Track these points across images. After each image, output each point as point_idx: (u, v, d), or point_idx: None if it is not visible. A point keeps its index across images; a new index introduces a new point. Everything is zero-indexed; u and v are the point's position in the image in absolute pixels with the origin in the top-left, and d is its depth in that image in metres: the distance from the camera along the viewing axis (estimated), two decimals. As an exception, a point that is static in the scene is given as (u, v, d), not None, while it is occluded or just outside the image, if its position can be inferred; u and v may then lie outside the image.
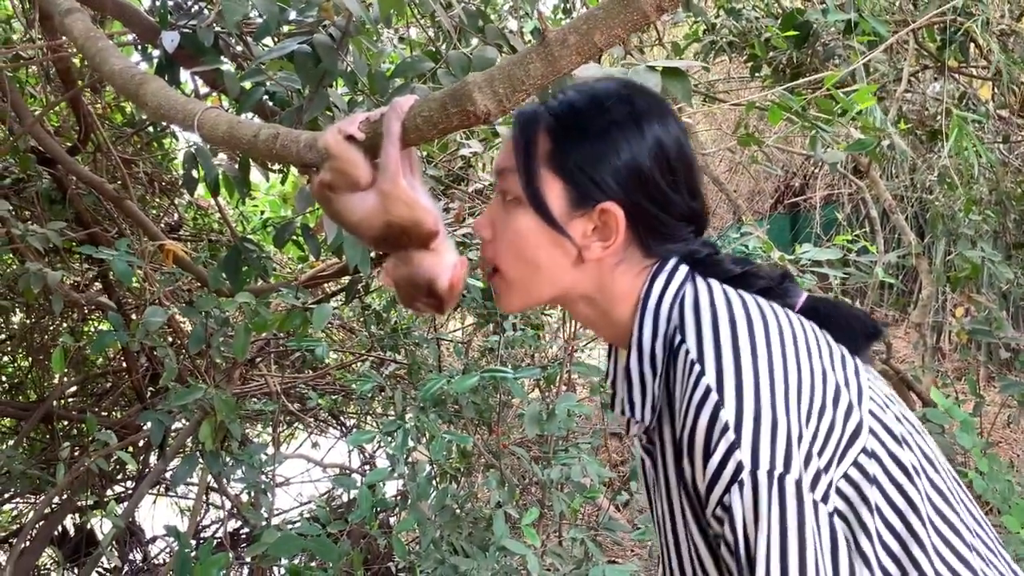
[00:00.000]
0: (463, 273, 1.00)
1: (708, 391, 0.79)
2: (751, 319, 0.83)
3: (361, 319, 4.07)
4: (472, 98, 0.95)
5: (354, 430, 5.27)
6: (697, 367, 0.81)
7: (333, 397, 4.91)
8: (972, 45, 3.93)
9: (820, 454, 0.78)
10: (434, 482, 2.99)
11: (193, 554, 1.98)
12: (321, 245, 2.36)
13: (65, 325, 4.57)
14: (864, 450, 0.81)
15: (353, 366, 4.51)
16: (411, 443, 2.36)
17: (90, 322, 4.69)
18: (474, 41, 1.96)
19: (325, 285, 3.83)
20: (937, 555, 0.82)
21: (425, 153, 2.76)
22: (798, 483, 0.75)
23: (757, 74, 4.10)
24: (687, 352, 0.83)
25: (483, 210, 1.12)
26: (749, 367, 0.80)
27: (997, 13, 3.78)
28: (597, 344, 4.68)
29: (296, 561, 2.21)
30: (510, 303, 1.00)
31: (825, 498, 0.77)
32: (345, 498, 4.20)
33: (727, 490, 0.77)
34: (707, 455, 0.78)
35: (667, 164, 0.92)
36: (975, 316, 3.74)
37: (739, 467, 0.76)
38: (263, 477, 2.54)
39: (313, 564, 2.21)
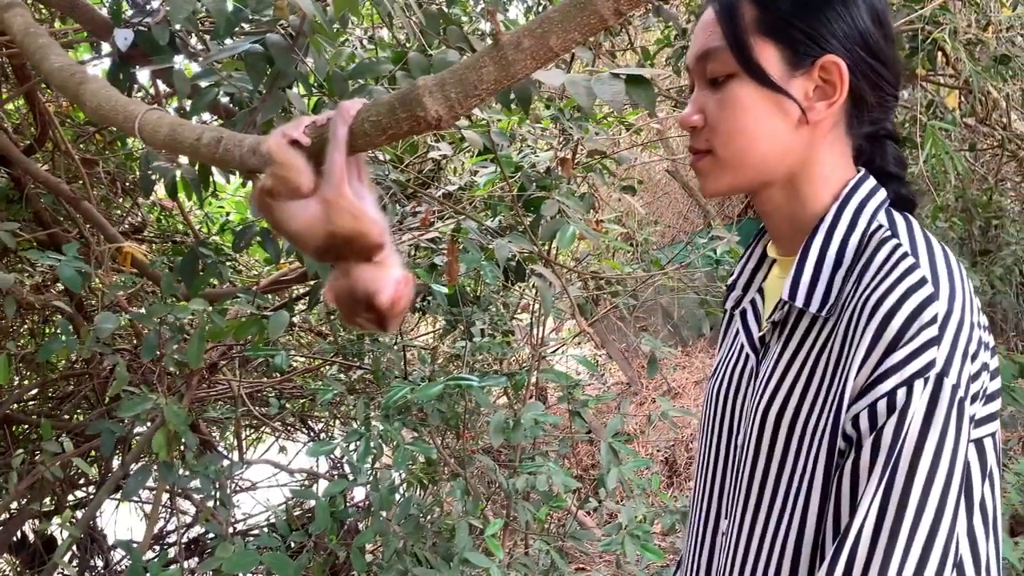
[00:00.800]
0: (407, 290, 0.95)
1: (923, 282, 0.78)
2: (949, 258, 0.84)
3: (327, 324, 4.01)
4: (422, 103, 0.91)
5: (321, 435, 5.20)
6: (910, 259, 0.81)
7: (301, 401, 4.84)
8: (940, 54, 3.95)
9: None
10: (401, 489, 2.94)
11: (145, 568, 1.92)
12: (282, 249, 2.31)
13: (25, 327, 4.46)
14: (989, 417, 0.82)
15: (320, 370, 4.44)
16: (376, 451, 2.31)
17: (52, 324, 4.57)
18: (444, 45, 1.92)
19: (292, 288, 3.76)
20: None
21: (389, 157, 2.71)
22: (967, 412, 0.75)
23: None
24: (898, 245, 0.83)
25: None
26: (958, 282, 0.81)
27: (964, 23, 3.80)
28: (562, 354, 4.65)
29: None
30: (718, 184, 0.97)
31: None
32: (312, 503, 4.13)
33: (905, 384, 0.75)
34: (897, 341, 0.76)
35: (878, 15, 0.91)
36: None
37: (930, 364, 0.75)
38: (228, 484, 2.48)
39: (271, 578, 2.15)
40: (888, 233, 0.86)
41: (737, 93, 0.91)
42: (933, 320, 0.76)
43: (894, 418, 0.74)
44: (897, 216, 0.90)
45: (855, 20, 0.89)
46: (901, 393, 0.75)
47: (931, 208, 4.23)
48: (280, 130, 0.98)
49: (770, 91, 0.89)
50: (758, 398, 0.93)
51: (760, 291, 1.06)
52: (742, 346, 1.03)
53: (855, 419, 0.78)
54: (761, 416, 0.90)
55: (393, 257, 0.97)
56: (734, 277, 1.10)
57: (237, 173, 2.37)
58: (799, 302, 0.90)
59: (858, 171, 0.95)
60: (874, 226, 0.89)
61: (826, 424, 0.82)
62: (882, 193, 0.93)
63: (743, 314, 1.06)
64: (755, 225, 8.67)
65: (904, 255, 0.81)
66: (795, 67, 0.89)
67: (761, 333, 1.00)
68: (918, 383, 0.74)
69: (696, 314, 3.07)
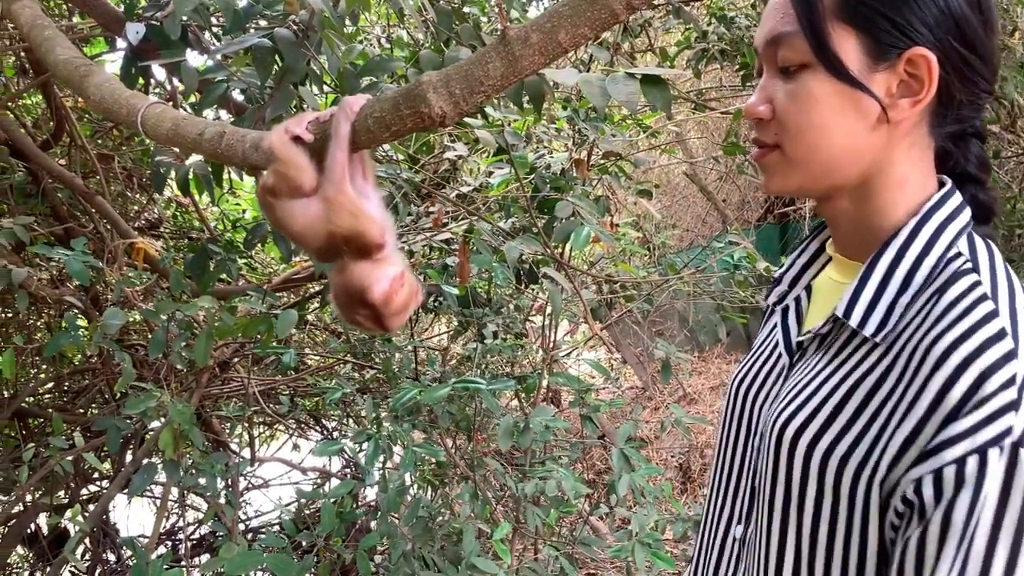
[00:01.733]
0: (403, 288, 0.92)
1: (1001, 334, 0.69)
2: None
3: (341, 322, 3.99)
4: (426, 99, 0.88)
5: (334, 433, 5.19)
6: (990, 303, 0.72)
7: (314, 399, 4.83)
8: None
9: None
10: (410, 490, 2.91)
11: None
12: (293, 247, 2.29)
13: (41, 321, 4.48)
14: None
15: (333, 368, 4.43)
16: (385, 452, 2.29)
17: (67, 317, 4.58)
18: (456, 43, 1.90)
19: (306, 286, 3.75)
20: None
21: (402, 156, 2.69)
22: None
23: (749, 83, 4.05)
24: (977, 283, 0.74)
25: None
26: None
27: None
28: (575, 357, 4.61)
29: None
30: (784, 183, 0.88)
31: None
32: (321, 502, 4.12)
33: (978, 452, 0.66)
34: (968, 401, 0.67)
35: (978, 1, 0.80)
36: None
37: (1007, 432, 0.66)
38: (238, 482, 2.47)
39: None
40: (968, 265, 0.77)
41: (810, 85, 0.82)
42: (1011, 381, 0.67)
43: (966, 493, 0.66)
44: (979, 245, 0.81)
45: (950, 5, 0.78)
46: (973, 463, 0.66)
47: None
48: (283, 126, 0.96)
49: (848, 86, 0.80)
50: (782, 406, 0.86)
51: (808, 288, 0.99)
52: (776, 343, 0.97)
53: (917, 484, 0.69)
54: (782, 426, 0.84)
55: (394, 256, 0.95)
56: (782, 270, 1.03)
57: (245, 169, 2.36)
58: (854, 321, 0.81)
59: (941, 182, 0.86)
60: (952, 252, 0.80)
61: (872, 472, 0.74)
62: (966, 214, 0.84)
63: (784, 311, 0.99)
64: (774, 231, 8.61)
65: (983, 296, 0.73)
66: (878, 59, 0.80)
67: (800, 338, 0.92)
68: (993, 452, 0.65)
69: (712, 319, 3.03)
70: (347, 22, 1.76)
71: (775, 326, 0.99)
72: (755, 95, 0.88)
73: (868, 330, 0.80)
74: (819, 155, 0.83)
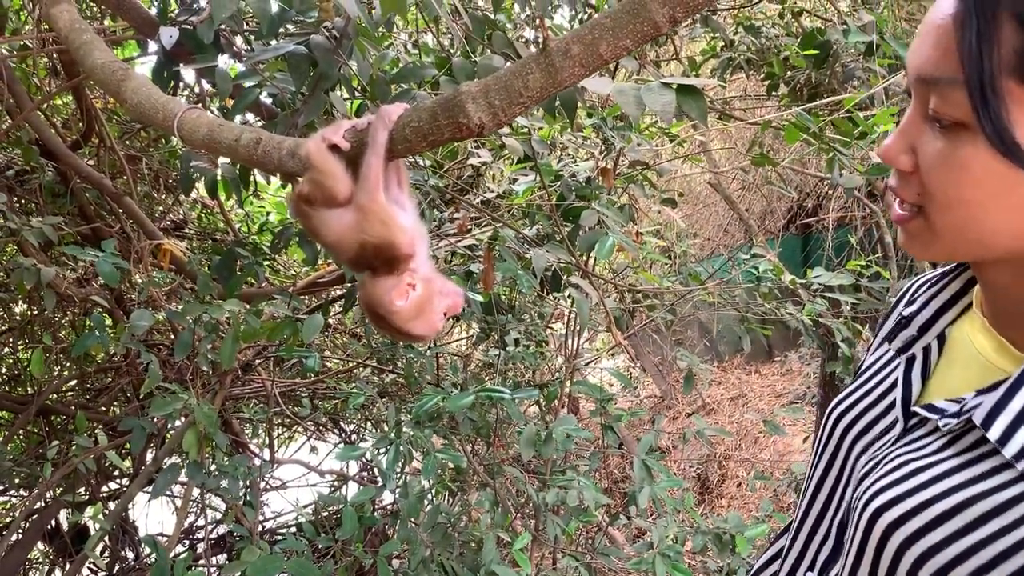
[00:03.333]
0: (413, 292, 0.92)
1: None
2: None
3: (362, 326, 4.01)
4: (465, 109, 0.88)
5: (353, 436, 5.21)
6: None
7: (333, 402, 4.84)
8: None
9: None
10: (429, 496, 2.91)
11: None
12: (319, 251, 2.30)
13: (66, 319, 4.52)
14: None
15: (353, 372, 4.45)
16: (405, 457, 2.29)
17: (92, 317, 4.63)
18: (488, 51, 1.90)
19: (329, 290, 3.77)
20: None
21: (429, 163, 2.70)
22: None
23: (774, 93, 4.03)
24: None
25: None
26: None
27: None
28: (595, 366, 4.60)
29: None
30: (928, 252, 0.73)
31: None
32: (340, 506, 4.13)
33: None
34: None
35: None
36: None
37: None
38: (258, 484, 2.47)
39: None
40: None
41: (966, 154, 0.65)
42: None
43: None
44: None
45: None
46: None
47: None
48: (320, 134, 0.96)
49: (1018, 167, 0.62)
50: (884, 484, 0.73)
51: (940, 336, 0.83)
52: (891, 388, 0.83)
53: None
54: (879, 508, 0.72)
55: (425, 266, 0.94)
56: (911, 309, 0.86)
57: (277, 174, 2.37)
58: (993, 435, 0.66)
59: None
60: None
61: None
62: None
63: (910, 362, 0.82)
64: (797, 241, 8.55)
65: None
66: None
67: (922, 412, 0.76)
68: None
69: (735, 330, 3.01)
70: (381, 28, 1.77)
71: (893, 372, 0.85)
72: (895, 137, 0.73)
73: (1009, 451, 0.65)
74: (972, 231, 0.68)
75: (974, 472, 0.67)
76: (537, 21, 2.97)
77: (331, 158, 0.93)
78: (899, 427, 0.78)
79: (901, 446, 0.76)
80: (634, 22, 0.82)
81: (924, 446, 0.73)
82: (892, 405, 0.82)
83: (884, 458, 0.77)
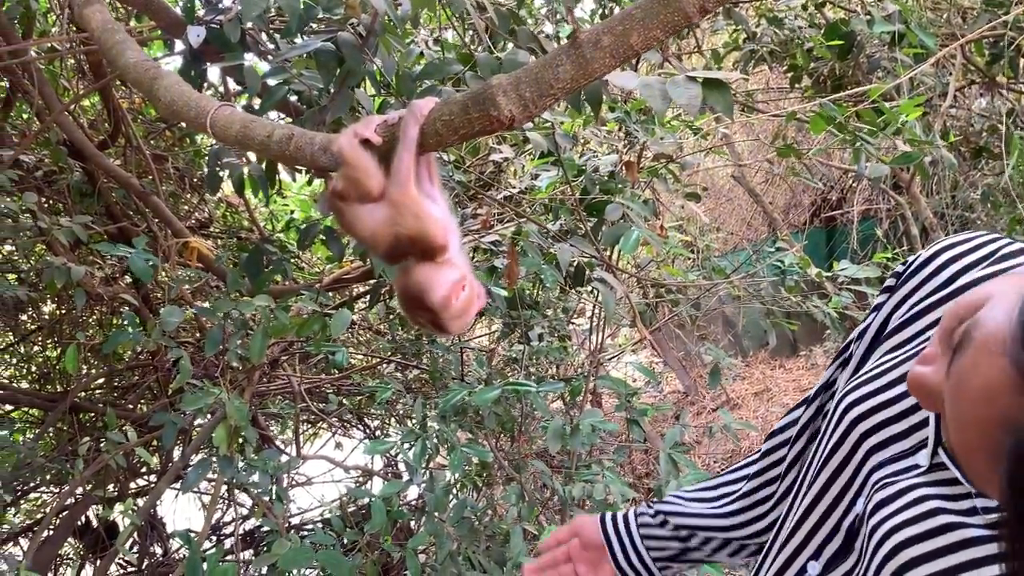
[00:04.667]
0: (464, 292, 0.93)
1: None
2: None
3: (386, 322, 4.03)
4: (496, 102, 0.88)
5: (377, 432, 5.24)
6: None
7: (358, 398, 4.87)
8: (1023, 61, 3.80)
9: None
10: (454, 490, 2.92)
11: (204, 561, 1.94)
12: (345, 247, 2.32)
13: (93, 318, 4.58)
14: None
15: (377, 368, 4.47)
16: (431, 451, 2.30)
17: (119, 315, 4.69)
18: (510, 45, 1.90)
19: (353, 286, 3.79)
20: None
21: (453, 158, 2.70)
22: None
23: (797, 85, 3.99)
24: None
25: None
26: None
27: (1052, 27, 3.64)
28: (619, 360, 4.59)
29: (307, 572, 2.16)
30: None
31: None
32: (365, 499, 4.15)
33: None
34: None
35: None
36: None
37: None
38: (284, 479, 2.50)
39: (325, 576, 2.15)
40: None
41: None
42: None
43: None
44: None
45: None
46: None
47: (1007, 220, 4.07)
48: (351, 129, 0.97)
49: None
50: (908, 525, 0.71)
51: None
52: (915, 407, 0.79)
53: None
54: (906, 563, 0.70)
55: (458, 258, 0.95)
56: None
57: (303, 171, 2.39)
58: None
59: None
60: None
61: None
62: None
63: None
64: (821, 235, 8.47)
65: None
66: None
67: (946, 456, 0.73)
68: None
69: (761, 324, 2.99)
70: (407, 25, 1.78)
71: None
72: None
73: None
74: None
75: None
76: (558, 16, 2.97)
77: (363, 153, 0.94)
78: (924, 464, 0.75)
79: (925, 484, 0.73)
80: (665, 12, 0.82)
81: (954, 496, 0.71)
82: (915, 427, 0.78)
83: (904, 490, 0.74)
